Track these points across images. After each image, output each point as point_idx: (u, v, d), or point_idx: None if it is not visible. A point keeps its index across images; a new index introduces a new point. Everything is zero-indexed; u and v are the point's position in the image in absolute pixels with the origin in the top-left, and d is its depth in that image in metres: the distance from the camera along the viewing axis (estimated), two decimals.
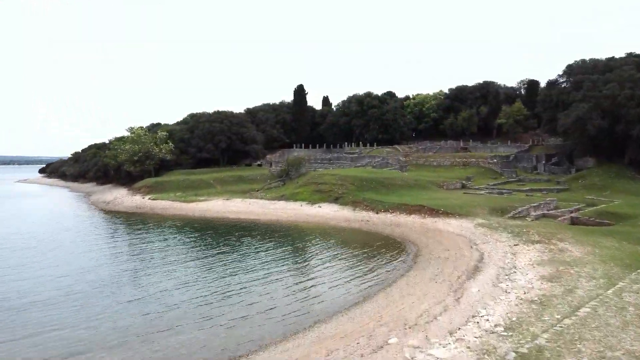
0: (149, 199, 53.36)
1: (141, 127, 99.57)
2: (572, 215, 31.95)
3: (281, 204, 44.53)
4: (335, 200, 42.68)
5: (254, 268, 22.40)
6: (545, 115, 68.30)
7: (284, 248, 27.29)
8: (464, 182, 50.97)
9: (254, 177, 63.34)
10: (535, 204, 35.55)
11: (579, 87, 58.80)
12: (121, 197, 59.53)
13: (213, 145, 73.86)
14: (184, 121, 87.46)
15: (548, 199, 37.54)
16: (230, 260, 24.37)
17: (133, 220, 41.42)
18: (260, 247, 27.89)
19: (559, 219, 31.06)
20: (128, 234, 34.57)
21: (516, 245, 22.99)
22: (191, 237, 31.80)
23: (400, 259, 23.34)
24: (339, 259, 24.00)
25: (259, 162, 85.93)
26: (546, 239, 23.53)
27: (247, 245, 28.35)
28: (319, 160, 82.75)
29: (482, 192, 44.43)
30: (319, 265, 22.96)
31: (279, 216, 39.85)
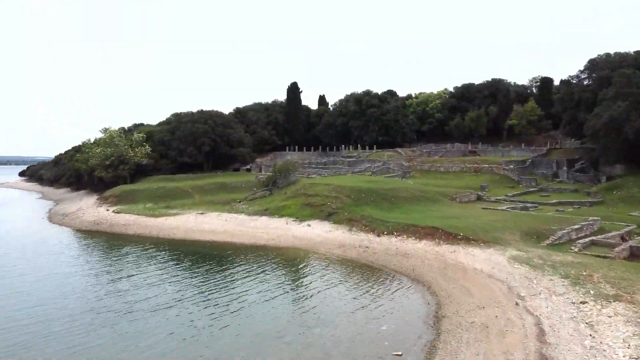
0: (114, 211, 46.03)
1: (122, 128, 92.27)
2: (632, 244, 24.74)
3: (264, 220, 37.27)
4: (329, 216, 35.45)
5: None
6: (565, 116, 61.30)
7: (246, 303, 20.00)
8: (479, 193, 43.73)
9: (239, 185, 56.05)
10: (576, 226, 28.40)
11: (607, 84, 51.78)
12: (86, 208, 52.18)
13: (195, 148, 66.54)
14: (167, 121, 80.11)
15: (590, 219, 30.33)
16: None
17: (80, 245, 34.06)
18: (220, 299, 20.65)
19: (616, 249, 23.84)
20: (52, 269, 27.22)
21: (583, 303, 15.76)
22: (140, 277, 24.40)
23: (414, 325, 16.06)
24: (324, 324, 16.73)
25: (247, 167, 78.67)
26: (626, 292, 16.32)
27: (206, 299, 21.10)
28: (313, 164, 75.55)
29: (504, 207, 37.20)
30: (292, 338, 15.70)
31: (259, 238, 32.55)
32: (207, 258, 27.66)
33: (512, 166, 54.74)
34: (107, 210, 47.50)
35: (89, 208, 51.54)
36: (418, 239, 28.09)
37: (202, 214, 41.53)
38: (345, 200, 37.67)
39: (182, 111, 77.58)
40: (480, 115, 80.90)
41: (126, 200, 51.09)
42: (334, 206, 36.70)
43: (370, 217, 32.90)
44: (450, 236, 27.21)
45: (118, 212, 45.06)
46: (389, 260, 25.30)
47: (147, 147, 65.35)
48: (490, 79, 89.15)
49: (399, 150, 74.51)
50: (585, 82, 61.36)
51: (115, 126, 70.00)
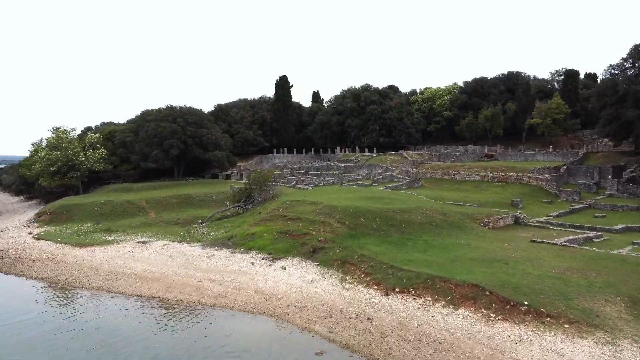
0: (35, 236, 35.23)
1: (89, 127, 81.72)
2: None
3: (222, 256, 26.56)
4: (313, 253, 24.82)
5: None
6: (604, 114, 50.93)
7: None
8: (516, 214, 33.01)
9: (208, 198, 45.29)
10: None
11: None
12: (12, 227, 41.40)
13: (161, 151, 55.76)
14: (134, 120, 69.25)
15: None
16: None
17: None
18: None
19: None
20: None
21: None
22: None
23: None
24: None
25: (228, 172, 67.93)
26: None
27: None
28: (303, 170, 64.90)
29: (561, 239, 26.49)
30: None
31: (206, 292, 21.76)
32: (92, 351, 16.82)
33: (547, 175, 44.08)
34: (31, 233, 36.69)
35: (15, 228, 40.69)
36: (451, 305, 17.39)
37: (144, 243, 30.73)
38: (338, 228, 26.99)
39: (155, 107, 66.68)
40: (496, 113, 70.48)
41: (61, 218, 40.31)
42: (322, 237, 26.04)
43: (374, 259, 22.21)
44: (506, 304, 16.52)
45: (39, 238, 34.20)
46: (409, 358, 14.54)
47: (102, 150, 54.51)
48: (506, 72, 78.70)
49: (404, 153, 63.84)
50: (629, 73, 50.98)
51: (82, 125, 59.95)
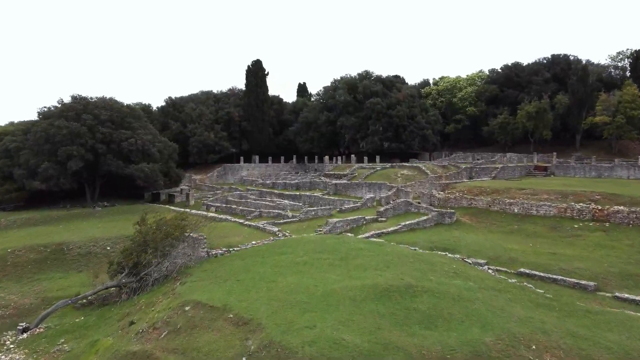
0: None
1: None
2: None
3: None
4: None
5: None
6: None
7: None
8: None
9: (97, 250, 26.23)
10: None
11: None
12: None
13: (55, 164, 36.69)
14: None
15: None
16: None
17: None
18: None
19: None
20: None
21: None
22: None
23: None
24: None
25: (176, 189, 48.84)
26: None
27: None
28: (277, 187, 45.87)
29: None
30: None
31: None
32: None
33: None
34: None
35: None
36: None
37: None
38: None
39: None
40: (542, 109, 51.74)
41: None
42: None
43: None
44: None
45: None
46: None
47: None
48: (549, 56, 60.01)
49: (421, 165, 44.68)
50: None
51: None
